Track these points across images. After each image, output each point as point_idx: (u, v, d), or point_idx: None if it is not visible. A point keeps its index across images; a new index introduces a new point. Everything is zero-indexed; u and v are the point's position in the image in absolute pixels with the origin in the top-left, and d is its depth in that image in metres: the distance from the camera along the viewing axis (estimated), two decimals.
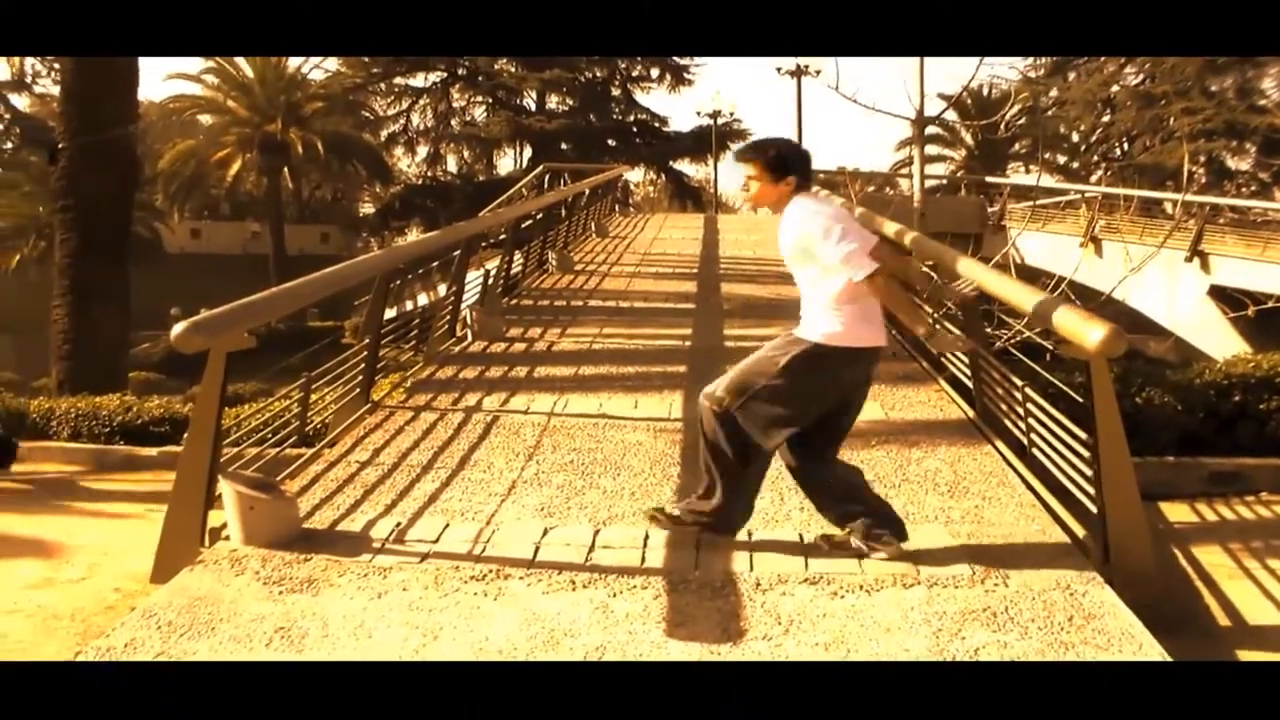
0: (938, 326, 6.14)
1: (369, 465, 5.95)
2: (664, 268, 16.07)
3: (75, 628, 4.69)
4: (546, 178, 23.74)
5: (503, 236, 12.62)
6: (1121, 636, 3.83)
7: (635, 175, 49.67)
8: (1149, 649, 3.73)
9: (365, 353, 7.31)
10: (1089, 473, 4.85)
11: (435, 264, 14.47)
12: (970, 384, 7.10)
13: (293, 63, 49.25)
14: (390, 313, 8.31)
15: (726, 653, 3.77)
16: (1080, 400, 5.14)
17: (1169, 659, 3.66)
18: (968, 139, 51.37)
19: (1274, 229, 23.93)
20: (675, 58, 47.98)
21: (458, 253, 10.27)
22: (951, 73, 46.08)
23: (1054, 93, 48.07)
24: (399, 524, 5.03)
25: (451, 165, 52.02)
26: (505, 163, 50.72)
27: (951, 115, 41.96)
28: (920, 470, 5.87)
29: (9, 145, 45.13)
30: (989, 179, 35.11)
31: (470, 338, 9.70)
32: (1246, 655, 4.37)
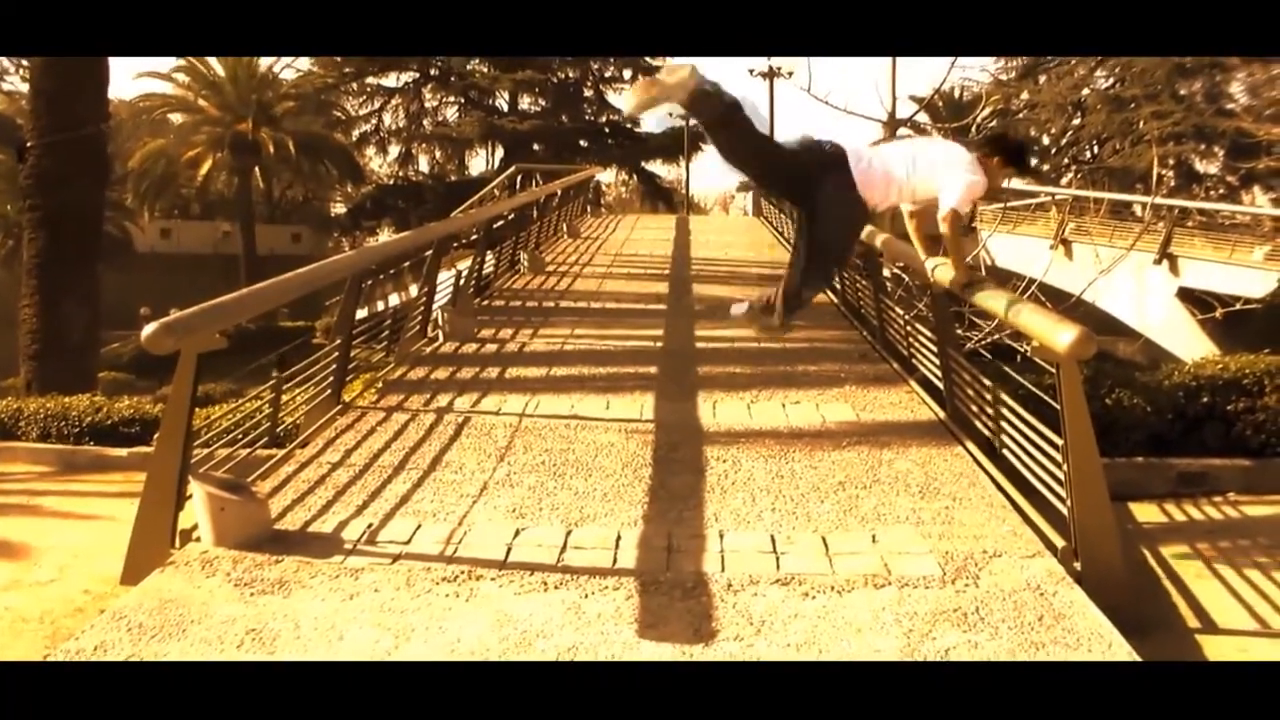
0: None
1: (340, 466, 5.92)
2: (636, 269, 16.06)
3: (44, 630, 4.65)
4: (518, 178, 23.70)
5: (475, 237, 12.56)
6: (1091, 636, 3.87)
7: (607, 176, 49.71)
8: (1118, 648, 3.76)
9: (337, 353, 7.26)
10: (1059, 474, 4.89)
11: (407, 264, 14.40)
12: (941, 385, 7.13)
13: (264, 62, 48.96)
14: (361, 313, 8.25)
15: (698, 653, 3.78)
16: (1050, 402, 5.17)
17: (1138, 658, 3.69)
18: None
19: (1242, 232, 24.17)
20: (647, 58, 47.96)
21: (429, 253, 10.23)
22: (923, 75, 46.37)
23: (1025, 95, 48.29)
24: (370, 525, 5.01)
25: (423, 165, 51.99)
26: (477, 163, 50.83)
27: (923, 117, 42.10)
28: (891, 472, 5.89)
29: None
30: None
31: (442, 338, 9.67)
32: (1214, 653, 4.42)
